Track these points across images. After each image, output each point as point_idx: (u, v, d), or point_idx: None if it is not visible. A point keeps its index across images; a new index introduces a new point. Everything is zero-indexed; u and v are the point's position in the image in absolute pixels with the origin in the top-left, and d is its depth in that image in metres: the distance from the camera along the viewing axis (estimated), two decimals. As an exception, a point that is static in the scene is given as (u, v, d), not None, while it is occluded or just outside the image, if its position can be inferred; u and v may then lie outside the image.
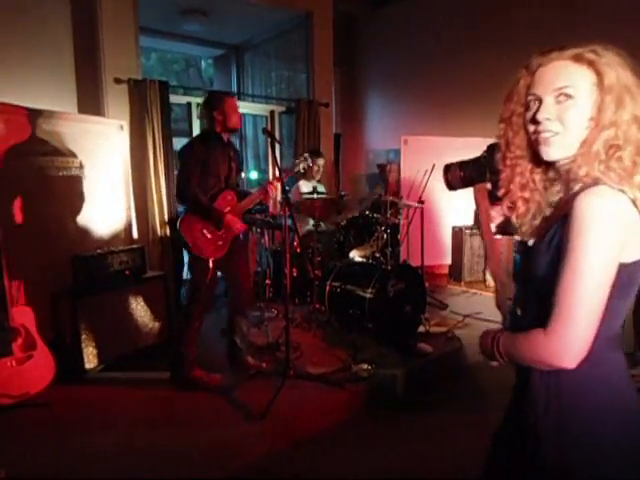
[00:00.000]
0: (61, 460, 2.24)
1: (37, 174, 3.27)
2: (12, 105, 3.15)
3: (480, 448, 2.51)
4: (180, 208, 4.54)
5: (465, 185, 1.23)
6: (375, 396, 2.89)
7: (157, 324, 3.49)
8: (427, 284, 4.18)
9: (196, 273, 2.86)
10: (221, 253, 2.81)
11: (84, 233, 3.56)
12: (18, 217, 3.16)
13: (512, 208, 1.06)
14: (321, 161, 4.68)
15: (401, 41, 6.68)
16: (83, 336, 3.06)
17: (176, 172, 3.92)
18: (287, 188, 2.94)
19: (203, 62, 15.45)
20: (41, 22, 4.03)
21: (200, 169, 2.75)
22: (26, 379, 2.67)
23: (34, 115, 3.26)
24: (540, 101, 0.95)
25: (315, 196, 3.98)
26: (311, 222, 4.18)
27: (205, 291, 2.84)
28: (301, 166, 3.10)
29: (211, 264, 2.77)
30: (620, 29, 4.65)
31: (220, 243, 2.81)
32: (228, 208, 2.84)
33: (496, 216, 1.20)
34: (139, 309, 3.39)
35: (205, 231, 2.78)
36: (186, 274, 4.29)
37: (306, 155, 3.16)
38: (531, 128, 0.98)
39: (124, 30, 4.25)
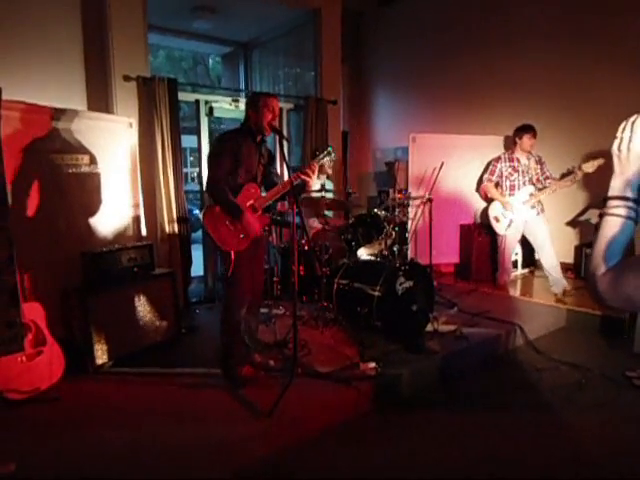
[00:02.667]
0: (70, 455, 2.25)
1: (47, 171, 3.29)
2: (27, 103, 3.18)
3: (486, 447, 2.51)
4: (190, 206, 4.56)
5: None
6: (382, 395, 2.89)
7: (165, 321, 3.50)
8: (435, 282, 4.17)
9: (225, 266, 2.88)
10: (243, 246, 2.81)
11: (93, 230, 3.58)
12: (29, 213, 3.19)
13: None
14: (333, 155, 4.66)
15: (409, 38, 6.65)
16: (92, 332, 3.07)
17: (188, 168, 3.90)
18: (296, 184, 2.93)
19: (211, 60, 15.49)
20: (51, 20, 4.05)
21: (231, 160, 2.81)
22: (36, 374, 2.69)
23: (46, 112, 3.29)
24: None
25: (322, 194, 3.98)
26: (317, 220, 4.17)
27: (237, 284, 2.84)
28: (326, 160, 3.08)
29: (233, 256, 2.78)
30: (621, 26, 4.62)
31: (242, 236, 2.82)
32: (251, 201, 2.86)
33: None
34: (148, 306, 3.40)
35: (228, 223, 2.79)
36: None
37: (329, 149, 3.12)
38: None
39: (133, 28, 4.26)
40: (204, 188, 3.18)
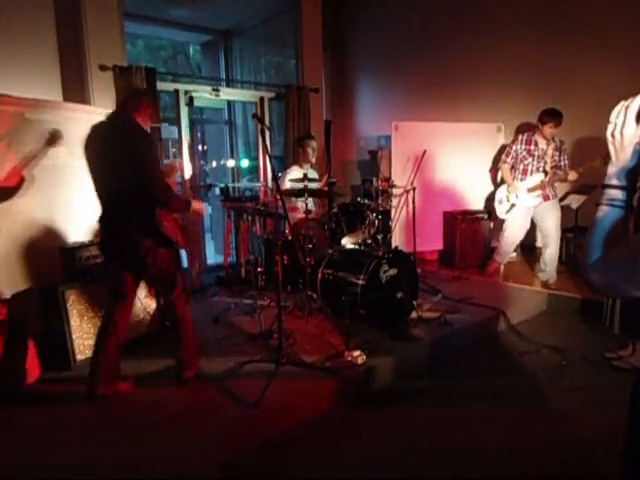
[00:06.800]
0: (47, 458, 2.22)
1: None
2: (1, 94, 3.08)
3: (471, 433, 2.53)
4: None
5: None
6: (367, 383, 2.91)
7: (147, 314, 3.47)
8: (419, 270, 4.19)
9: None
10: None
11: (72, 223, 3.51)
12: (5, 207, 3.10)
13: None
14: (314, 143, 4.58)
15: (391, 26, 6.61)
16: (73, 328, 3.02)
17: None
18: (279, 175, 2.92)
19: (191, 48, 15.21)
20: (23, 8, 3.93)
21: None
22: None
23: (21, 104, 3.19)
24: None
25: (302, 185, 3.95)
26: (302, 209, 4.14)
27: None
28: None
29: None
30: (601, 14, 4.65)
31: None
32: None
33: None
34: (130, 299, 3.35)
35: (164, 221, 2.79)
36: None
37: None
38: None
39: (108, 15, 4.16)
40: (147, 185, 2.53)
